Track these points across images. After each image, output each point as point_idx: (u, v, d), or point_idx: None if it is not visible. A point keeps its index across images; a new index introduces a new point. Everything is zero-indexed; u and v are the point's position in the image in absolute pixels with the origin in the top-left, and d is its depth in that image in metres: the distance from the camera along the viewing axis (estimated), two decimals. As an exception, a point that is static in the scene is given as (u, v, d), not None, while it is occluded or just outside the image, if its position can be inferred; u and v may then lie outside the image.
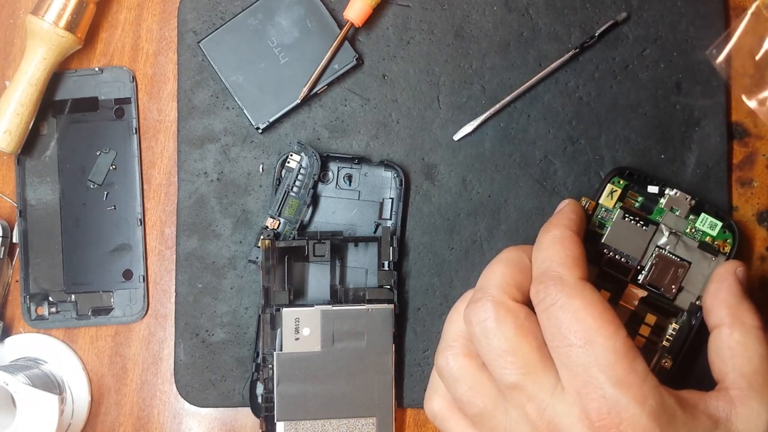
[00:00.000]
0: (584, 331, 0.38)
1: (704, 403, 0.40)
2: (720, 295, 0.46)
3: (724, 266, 0.48)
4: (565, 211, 0.47)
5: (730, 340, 0.43)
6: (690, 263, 0.51)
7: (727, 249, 0.51)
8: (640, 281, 0.51)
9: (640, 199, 0.52)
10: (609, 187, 0.52)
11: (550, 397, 0.38)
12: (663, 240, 0.51)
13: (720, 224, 0.51)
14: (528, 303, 0.42)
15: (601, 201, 0.52)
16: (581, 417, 0.37)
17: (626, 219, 0.51)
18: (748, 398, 0.40)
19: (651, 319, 0.51)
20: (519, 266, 0.43)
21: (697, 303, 0.50)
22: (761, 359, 0.42)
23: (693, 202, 0.51)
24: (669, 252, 0.51)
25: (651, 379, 0.38)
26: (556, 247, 0.43)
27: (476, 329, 0.41)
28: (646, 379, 0.38)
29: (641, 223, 0.51)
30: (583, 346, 0.38)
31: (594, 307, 0.39)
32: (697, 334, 0.50)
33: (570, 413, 0.38)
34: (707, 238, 0.51)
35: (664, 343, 0.51)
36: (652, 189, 0.52)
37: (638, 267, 0.51)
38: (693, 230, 0.51)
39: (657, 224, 0.51)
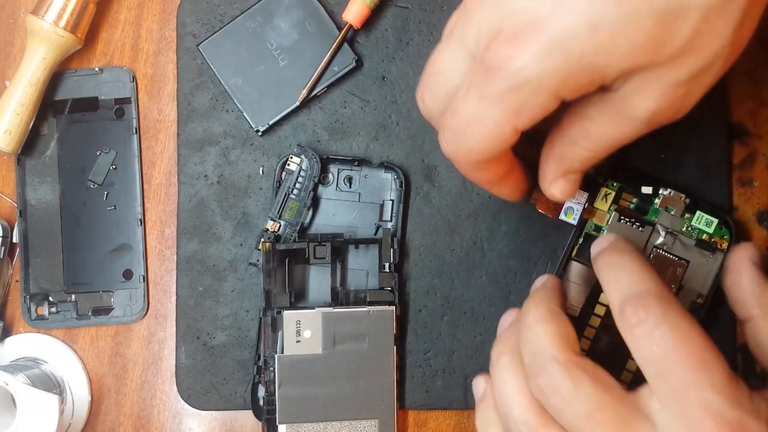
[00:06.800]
0: (697, 353, 0.36)
1: None
2: (741, 285, 0.46)
3: (736, 253, 0.48)
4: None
5: (766, 331, 0.43)
6: (688, 262, 0.51)
7: (725, 245, 0.51)
8: (639, 282, 0.51)
9: (634, 200, 0.52)
10: (603, 190, 0.52)
11: None
12: (660, 240, 0.51)
13: (716, 221, 0.51)
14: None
15: (595, 204, 0.52)
16: None
17: (622, 221, 0.51)
18: None
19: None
20: (557, 318, 0.40)
21: (699, 301, 0.51)
22: None
23: (687, 200, 0.51)
24: (666, 252, 0.51)
25: (755, 394, 0.37)
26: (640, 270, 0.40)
27: (553, 400, 0.37)
28: (752, 395, 0.36)
29: (637, 224, 0.51)
30: (699, 368, 0.36)
31: (699, 330, 0.37)
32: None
33: None
34: (704, 236, 0.51)
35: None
36: (646, 189, 0.52)
37: (637, 268, 0.51)
38: (689, 228, 0.51)
39: (653, 225, 0.51)
